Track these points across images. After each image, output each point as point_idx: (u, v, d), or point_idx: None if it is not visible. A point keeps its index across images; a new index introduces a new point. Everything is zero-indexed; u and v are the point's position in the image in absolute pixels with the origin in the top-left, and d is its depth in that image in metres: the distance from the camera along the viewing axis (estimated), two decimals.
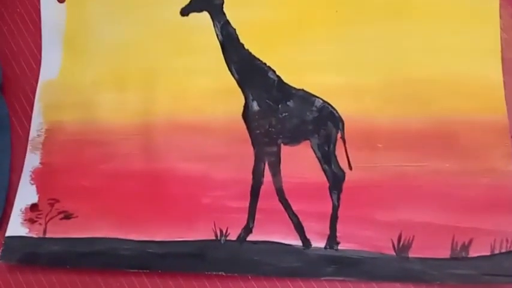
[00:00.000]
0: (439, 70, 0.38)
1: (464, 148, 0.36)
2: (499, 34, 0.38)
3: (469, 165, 0.36)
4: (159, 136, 0.38)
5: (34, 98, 0.39)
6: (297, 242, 0.35)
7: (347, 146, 0.37)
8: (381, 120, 0.37)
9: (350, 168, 0.36)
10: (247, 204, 0.36)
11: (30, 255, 0.35)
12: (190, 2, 0.39)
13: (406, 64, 0.38)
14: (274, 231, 0.35)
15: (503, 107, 0.37)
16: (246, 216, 0.36)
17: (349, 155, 0.36)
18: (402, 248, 0.35)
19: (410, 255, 0.34)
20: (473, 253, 0.34)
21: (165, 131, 0.38)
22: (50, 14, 0.40)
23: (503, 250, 0.34)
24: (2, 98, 0.39)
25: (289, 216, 0.36)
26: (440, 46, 0.38)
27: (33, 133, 0.38)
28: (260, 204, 0.36)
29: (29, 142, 0.38)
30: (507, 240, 0.34)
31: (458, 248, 0.34)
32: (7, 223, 0.36)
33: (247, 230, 0.36)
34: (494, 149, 0.36)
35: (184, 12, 0.39)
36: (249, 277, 0.35)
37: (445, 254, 0.34)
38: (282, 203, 0.36)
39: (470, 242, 0.34)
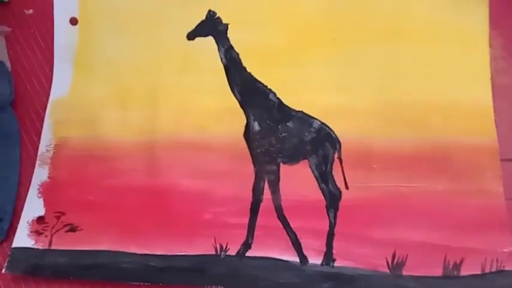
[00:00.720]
0: (432, 94, 0.40)
1: (457, 170, 0.38)
2: (489, 62, 0.40)
3: (461, 187, 0.37)
4: (162, 153, 0.39)
5: (44, 114, 0.41)
6: (294, 258, 0.36)
7: (344, 166, 0.38)
8: (377, 141, 0.39)
9: (346, 187, 0.38)
10: (247, 221, 0.37)
11: (35, 266, 0.36)
12: (196, 27, 0.41)
13: (401, 87, 0.40)
14: (272, 247, 0.36)
15: (493, 130, 0.39)
16: (246, 232, 0.37)
17: (346, 175, 0.38)
18: (396, 266, 0.36)
19: (404, 273, 0.35)
20: (464, 272, 0.35)
21: (168, 148, 0.39)
22: (63, 35, 0.42)
23: (494, 270, 0.35)
24: (13, 114, 0.41)
25: (287, 233, 0.37)
26: (434, 71, 0.40)
27: (42, 148, 0.40)
28: (259, 220, 0.37)
29: (38, 157, 0.39)
30: (497, 260, 0.35)
31: (450, 267, 0.35)
32: (14, 234, 0.37)
33: (247, 245, 0.37)
34: (485, 171, 0.38)
35: (191, 36, 0.41)
36: None
37: (438, 272, 0.35)
38: (280, 220, 0.37)
39: (461, 261, 0.35)
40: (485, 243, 0.36)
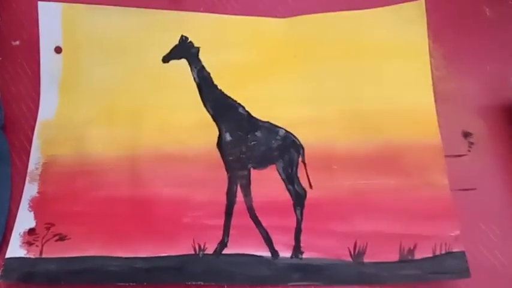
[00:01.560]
0: (383, 102, 0.44)
1: (407, 167, 0.42)
2: (430, 70, 0.45)
3: (411, 181, 0.41)
4: (144, 165, 0.42)
5: (32, 135, 0.44)
6: (266, 253, 0.39)
7: (307, 168, 0.42)
8: (336, 146, 0.43)
9: (311, 187, 0.42)
10: (223, 222, 0.40)
11: (28, 274, 0.38)
12: (170, 51, 0.45)
13: (356, 97, 0.44)
14: (246, 245, 0.40)
15: (437, 131, 0.43)
16: (222, 232, 0.40)
17: (310, 176, 0.42)
18: (358, 254, 0.39)
19: (365, 260, 0.39)
20: (418, 256, 0.39)
21: (150, 161, 0.42)
22: (48, 63, 0.45)
23: (443, 252, 0.39)
24: (4, 136, 0.44)
25: (259, 231, 0.40)
26: (384, 82, 0.45)
27: (31, 166, 0.42)
28: (234, 221, 0.40)
29: (27, 174, 0.42)
30: (446, 243, 0.39)
31: (405, 252, 0.39)
32: (7, 246, 0.39)
33: (223, 244, 0.40)
34: (432, 167, 0.42)
35: (166, 59, 0.45)
36: (225, 286, 0.39)
37: (395, 257, 0.39)
38: (252, 220, 0.41)
39: (415, 246, 0.39)
40: (435, 230, 0.39)
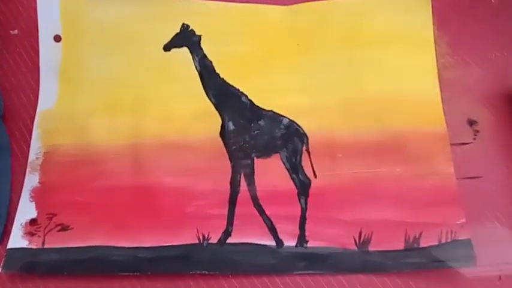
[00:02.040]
0: (387, 90, 0.44)
1: (412, 155, 0.41)
2: (435, 58, 0.45)
3: (417, 170, 0.41)
4: (147, 154, 0.42)
5: (32, 125, 0.43)
6: (271, 242, 0.39)
7: (311, 157, 0.42)
8: (340, 134, 0.42)
9: (315, 176, 0.41)
10: (226, 211, 0.40)
11: (30, 264, 0.38)
12: (171, 39, 0.45)
13: (360, 85, 0.44)
14: (250, 234, 0.39)
15: (442, 119, 0.43)
16: (226, 221, 0.40)
17: (314, 165, 0.41)
18: (363, 243, 0.39)
19: (370, 248, 0.39)
20: (423, 244, 0.39)
21: (152, 150, 0.42)
22: (47, 51, 0.45)
23: (449, 240, 0.39)
24: (3, 125, 0.43)
25: (264, 220, 0.40)
26: (387, 69, 0.44)
27: (32, 156, 0.42)
28: (237, 210, 0.40)
29: (28, 164, 0.42)
30: (451, 232, 0.39)
31: (411, 240, 0.39)
32: (8, 237, 0.39)
33: (227, 233, 0.40)
34: (437, 155, 0.41)
35: (167, 48, 0.45)
36: (229, 275, 0.39)
37: (400, 246, 0.39)
38: (256, 209, 0.40)
39: (420, 234, 0.39)
40: (440, 218, 0.39)
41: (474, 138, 0.43)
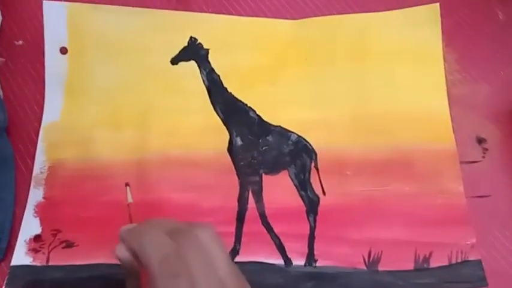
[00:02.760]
0: (396, 105, 0.43)
1: (421, 173, 0.41)
2: (444, 74, 0.45)
3: (426, 188, 0.41)
4: (153, 170, 0.41)
5: (37, 138, 0.43)
6: (279, 261, 0.39)
7: (320, 174, 0.41)
8: (349, 150, 0.42)
9: (324, 193, 0.41)
10: (234, 229, 0.40)
11: (34, 282, 0.37)
12: (179, 52, 0.44)
13: (368, 101, 0.44)
14: (258, 252, 0.39)
15: (451, 136, 0.42)
16: (233, 239, 0.39)
17: (323, 182, 0.41)
18: (372, 262, 0.39)
19: (380, 268, 0.38)
20: (433, 264, 0.38)
21: (158, 165, 0.41)
22: (53, 64, 0.44)
23: (459, 260, 0.38)
24: (7, 138, 0.42)
25: (272, 238, 0.39)
26: (396, 85, 0.44)
27: (36, 170, 0.41)
28: (245, 228, 0.40)
29: (32, 178, 0.41)
30: (462, 252, 0.38)
31: (421, 260, 0.38)
32: (12, 253, 0.38)
33: (235, 251, 0.39)
34: (446, 173, 0.41)
35: (174, 61, 0.44)
36: None
37: (410, 266, 0.38)
38: (265, 227, 0.40)
39: (430, 254, 0.39)
40: (450, 238, 0.39)
41: (483, 157, 0.43)
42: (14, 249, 0.39)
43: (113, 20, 0.45)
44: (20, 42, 0.47)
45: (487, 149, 0.43)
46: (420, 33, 0.46)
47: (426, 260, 0.38)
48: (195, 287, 0.25)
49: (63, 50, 0.45)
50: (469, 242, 0.39)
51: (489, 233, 0.40)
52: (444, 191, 0.41)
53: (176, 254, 0.26)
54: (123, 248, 0.29)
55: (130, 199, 0.38)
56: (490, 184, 0.42)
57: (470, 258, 0.38)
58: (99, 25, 0.45)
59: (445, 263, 0.38)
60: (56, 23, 0.45)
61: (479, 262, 0.38)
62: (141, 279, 0.28)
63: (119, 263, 0.38)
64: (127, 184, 0.39)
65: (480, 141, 0.43)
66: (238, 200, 0.41)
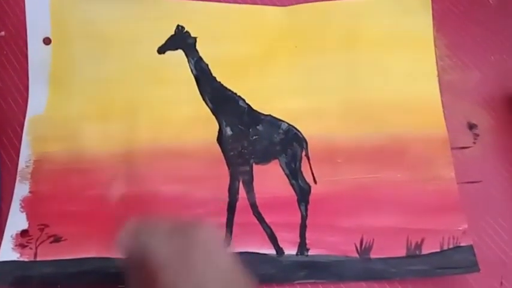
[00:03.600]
0: (386, 93, 0.43)
1: (413, 160, 0.41)
2: (435, 61, 0.44)
3: (418, 175, 0.41)
4: (141, 162, 0.41)
5: (21, 132, 0.42)
6: (271, 251, 0.38)
7: (311, 162, 0.41)
8: (340, 139, 0.42)
9: (315, 182, 0.41)
10: (225, 220, 0.39)
11: (22, 278, 0.37)
12: (166, 41, 0.43)
13: (359, 88, 0.43)
14: (250, 243, 0.38)
15: (442, 123, 0.42)
16: (224, 230, 0.39)
17: (314, 171, 0.41)
18: (364, 250, 0.39)
19: (372, 256, 0.38)
20: (425, 250, 0.38)
21: (147, 157, 0.41)
22: (37, 55, 0.43)
23: (451, 246, 0.38)
24: None
25: (263, 228, 0.39)
26: (387, 72, 0.44)
27: (21, 164, 0.40)
28: (236, 218, 0.39)
29: (18, 173, 0.40)
30: (453, 238, 0.39)
31: (413, 247, 0.38)
32: None
33: (226, 242, 0.39)
34: (438, 159, 0.41)
35: (161, 50, 0.43)
36: None
37: (402, 253, 0.38)
38: (256, 217, 0.39)
39: (422, 241, 0.39)
40: (442, 224, 0.39)
41: (474, 142, 0.43)
42: (0, 245, 0.38)
43: (98, 8, 0.44)
44: (2, 33, 0.45)
45: (478, 135, 0.43)
46: (411, 20, 0.45)
47: (418, 246, 0.38)
48: (200, 282, 0.26)
49: (47, 41, 0.44)
50: (460, 228, 0.39)
51: (480, 218, 0.40)
52: (436, 178, 0.41)
53: (179, 251, 0.27)
54: (127, 238, 0.30)
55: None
56: (481, 170, 0.42)
57: (462, 244, 0.38)
58: (84, 14, 0.44)
59: (437, 249, 0.38)
60: (39, 12, 0.44)
61: (471, 247, 0.38)
62: (144, 275, 0.28)
63: (108, 256, 0.37)
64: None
65: (471, 127, 0.43)
66: (229, 191, 0.40)
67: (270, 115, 0.42)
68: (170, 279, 0.26)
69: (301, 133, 0.42)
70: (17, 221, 0.39)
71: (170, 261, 0.27)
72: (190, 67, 0.43)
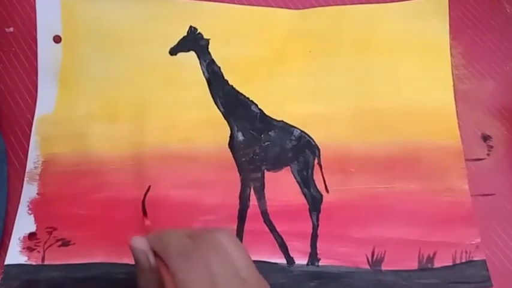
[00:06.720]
0: (401, 101, 0.42)
1: (426, 170, 0.40)
2: (451, 69, 0.44)
3: (431, 186, 0.40)
4: (150, 165, 0.40)
5: (30, 131, 0.41)
6: (281, 260, 0.38)
7: (323, 171, 0.40)
8: (353, 147, 0.41)
9: (327, 191, 0.40)
10: (235, 227, 0.39)
11: (29, 282, 0.36)
12: (178, 42, 0.43)
13: (373, 95, 0.43)
14: (260, 251, 0.38)
15: (457, 133, 0.42)
16: None
17: (326, 179, 0.40)
18: (376, 261, 0.38)
19: (383, 268, 0.38)
20: (437, 264, 0.38)
21: (156, 160, 0.40)
22: (47, 53, 0.42)
23: (464, 260, 0.38)
24: None
25: (274, 237, 0.39)
26: (401, 79, 0.43)
27: (30, 165, 0.40)
28: (247, 226, 0.39)
29: (26, 174, 0.39)
30: (466, 251, 0.38)
31: (425, 260, 0.38)
32: (5, 252, 0.37)
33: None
34: (452, 170, 0.40)
35: (173, 52, 0.43)
36: None
37: (413, 265, 0.38)
38: (267, 225, 0.39)
39: (434, 254, 0.38)
40: (455, 237, 0.38)
41: (488, 154, 0.42)
42: (7, 247, 0.37)
43: (110, 7, 0.43)
44: (11, 29, 0.45)
45: (492, 147, 0.42)
46: (427, 26, 0.44)
47: (430, 259, 0.38)
48: (216, 283, 0.26)
49: (57, 39, 0.43)
50: (473, 242, 0.38)
51: (493, 232, 0.40)
52: (449, 189, 0.40)
53: (196, 250, 0.27)
54: (140, 241, 0.29)
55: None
56: (494, 182, 0.41)
57: (475, 258, 0.38)
58: (95, 13, 0.43)
59: (450, 263, 0.38)
60: (49, 9, 0.43)
61: (484, 262, 0.38)
62: (161, 275, 0.28)
63: (116, 261, 0.37)
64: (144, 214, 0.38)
65: (485, 138, 0.43)
66: (240, 198, 0.40)
67: (282, 121, 0.42)
68: (186, 279, 0.26)
69: (313, 140, 0.41)
70: (25, 223, 0.38)
71: (184, 258, 0.27)
72: (202, 69, 0.43)
